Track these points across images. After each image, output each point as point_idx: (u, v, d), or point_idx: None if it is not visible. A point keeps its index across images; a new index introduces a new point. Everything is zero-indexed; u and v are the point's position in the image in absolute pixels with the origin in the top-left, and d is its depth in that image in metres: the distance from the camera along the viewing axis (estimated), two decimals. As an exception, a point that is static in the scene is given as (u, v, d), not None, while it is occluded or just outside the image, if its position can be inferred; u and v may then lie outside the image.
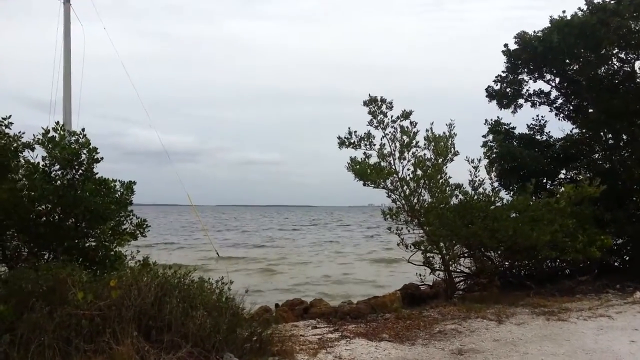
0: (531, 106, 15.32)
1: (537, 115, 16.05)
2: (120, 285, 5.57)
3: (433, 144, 10.30)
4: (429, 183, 10.05)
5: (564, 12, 13.57)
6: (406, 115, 11.17)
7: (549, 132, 16.07)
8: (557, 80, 14.71)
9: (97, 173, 9.26)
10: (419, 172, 10.13)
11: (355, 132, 11.66)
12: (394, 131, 11.33)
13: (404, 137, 10.69)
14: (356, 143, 11.50)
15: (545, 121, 16.06)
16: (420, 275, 11.55)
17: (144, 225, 9.53)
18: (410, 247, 11.36)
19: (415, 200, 10.23)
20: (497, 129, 15.79)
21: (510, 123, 15.97)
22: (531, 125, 16.01)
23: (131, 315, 5.36)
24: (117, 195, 9.13)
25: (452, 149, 10.50)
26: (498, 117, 15.88)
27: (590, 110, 14.54)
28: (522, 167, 14.44)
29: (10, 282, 5.58)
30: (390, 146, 11.21)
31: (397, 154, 11.12)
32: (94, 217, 8.30)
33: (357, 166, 10.28)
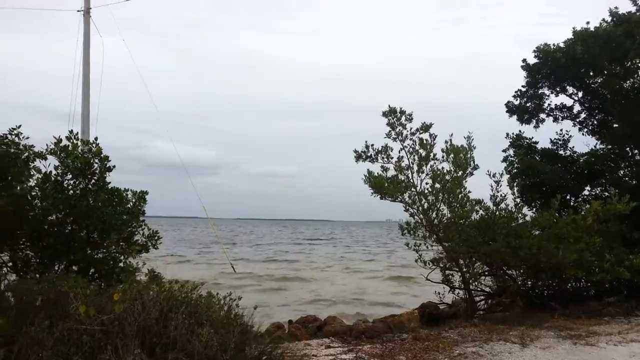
0: (553, 121, 14.92)
1: (561, 130, 15.63)
2: (124, 299, 5.33)
3: (452, 155, 9.95)
4: (448, 197, 9.69)
5: (587, 23, 13.23)
6: (426, 127, 10.89)
7: (573, 147, 15.64)
8: (580, 94, 14.31)
9: (109, 183, 9.18)
10: (437, 185, 9.77)
11: (372, 145, 11.41)
12: (413, 144, 11.07)
13: (421, 150, 10.38)
14: (373, 156, 11.25)
15: (570, 136, 15.64)
16: (439, 293, 11.13)
17: (156, 237, 9.36)
18: (429, 264, 10.99)
19: (434, 215, 9.87)
20: (518, 143, 15.41)
21: (532, 137, 15.58)
22: (554, 140, 15.58)
23: (134, 331, 5.10)
24: (129, 205, 9.03)
25: (472, 162, 10.16)
26: (520, 131, 15.50)
27: (616, 125, 14.08)
28: (545, 183, 14.00)
29: (9, 294, 5.38)
30: (408, 159, 10.94)
31: (415, 167, 10.84)
32: (106, 227, 8.18)
33: (374, 180, 9.97)
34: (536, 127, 15.04)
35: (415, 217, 10.14)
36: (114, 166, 9.15)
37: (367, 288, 21.54)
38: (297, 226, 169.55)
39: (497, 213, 9.91)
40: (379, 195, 10.09)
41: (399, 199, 9.93)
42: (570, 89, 14.44)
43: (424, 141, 10.88)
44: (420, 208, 9.98)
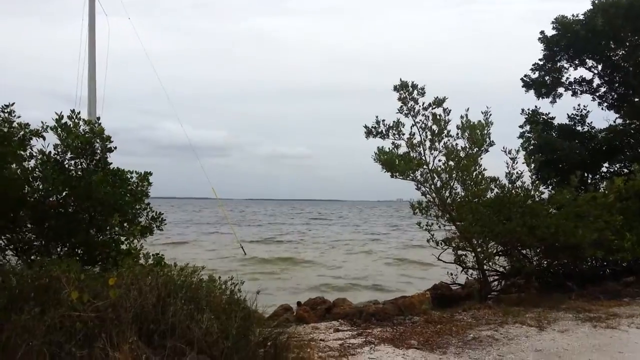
0: (572, 95, 14.36)
1: (578, 105, 15.06)
2: (120, 284, 5.04)
3: (468, 131, 9.48)
4: (462, 175, 9.27)
5: (609, -8, 12.54)
6: (439, 102, 10.42)
7: (591, 122, 15.07)
8: (600, 66, 13.67)
9: (111, 163, 8.95)
10: (451, 163, 9.35)
11: (384, 121, 10.99)
12: (425, 119, 10.63)
13: (434, 126, 9.94)
14: (384, 132, 10.84)
15: (588, 111, 15.07)
16: (451, 274, 10.81)
17: (160, 219, 9.13)
18: (441, 244, 10.65)
19: (447, 194, 9.46)
20: (534, 118, 14.88)
21: (549, 113, 15.03)
22: (572, 115, 15.02)
23: (130, 318, 4.82)
24: (132, 187, 8.82)
25: (488, 138, 9.68)
26: (536, 106, 14.94)
27: (637, 99, 13.49)
28: (562, 160, 13.51)
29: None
30: (420, 135, 10.50)
31: (427, 144, 10.40)
32: (106, 208, 7.96)
33: (384, 156, 9.57)
34: (553, 102, 14.50)
35: (428, 195, 9.73)
36: (116, 147, 9.11)
37: (376, 270, 21.27)
38: (306, 206, 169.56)
39: (513, 191, 9.46)
40: (390, 173, 9.69)
41: (410, 176, 9.52)
42: (589, 62, 13.83)
43: (438, 116, 10.42)
44: (432, 186, 9.57)
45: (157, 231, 9.15)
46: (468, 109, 9.93)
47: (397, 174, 9.54)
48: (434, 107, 10.53)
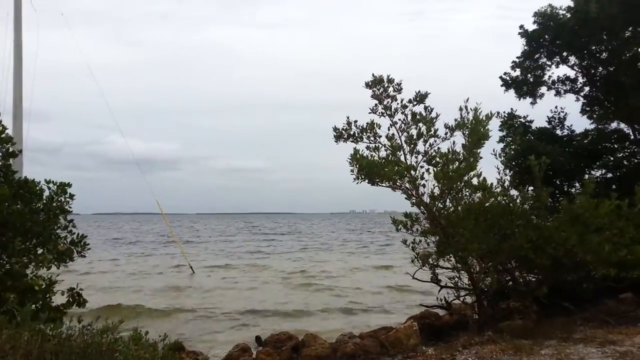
0: (555, 95, 13.21)
1: (556, 107, 13.99)
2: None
3: (469, 127, 7.91)
4: (458, 184, 7.68)
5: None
6: (421, 97, 8.88)
7: (571, 125, 14.03)
8: (585, 62, 12.53)
9: (16, 172, 7.13)
10: (448, 168, 7.74)
11: (356, 121, 9.38)
12: (404, 119, 9.08)
13: (420, 126, 8.39)
14: (357, 135, 9.22)
15: (565, 113, 14.02)
16: (442, 299, 9.26)
17: (83, 242, 7.20)
18: (418, 260, 9.08)
19: (440, 205, 7.84)
20: (510, 122, 13.67)
21: (527, 115, 13.88)
22: (550, 118, 13.93)
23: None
24: (46, 202, 7.04)
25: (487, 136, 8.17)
26: (512, 109, 13.76)
27: (628, 99, 12.44)
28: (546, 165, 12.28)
29: None
30: (399, 137, 8.93)
31: (406, 148, 8.83)
32: (9, 230, 6.09)
33: (365, 162, 7.88)
34: (533, 103, 13.31)
35: (419, 207, 8.09)
36: (20, 151, 7.71)
37: (341, 288, 19.36)
38: (258, 220, 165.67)
39: (517, 201, 7.97)
40: (369, 181, 8.01)
41: (398, 183, 7.84)
42: (572, 59, 12.71)
43: (418, 115, 8.88)
44: (422, 196, 7.93)
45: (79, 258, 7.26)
46: (468, 99, 8.43)
47: (384, 181, 7.85)
48: (414, 103, 9.00)
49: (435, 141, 8.59)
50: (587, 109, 13.99)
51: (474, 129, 7.67)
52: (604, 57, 12.03)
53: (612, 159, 13.25)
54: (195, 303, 15.11)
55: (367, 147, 8.98)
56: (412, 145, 8.63)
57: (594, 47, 11.88)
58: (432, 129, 8.33)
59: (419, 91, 8.93)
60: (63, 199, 7.09)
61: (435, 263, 12.40)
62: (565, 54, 12.51)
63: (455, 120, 8.68)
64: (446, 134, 8.55)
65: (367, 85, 9.32)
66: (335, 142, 9.49)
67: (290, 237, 54.85)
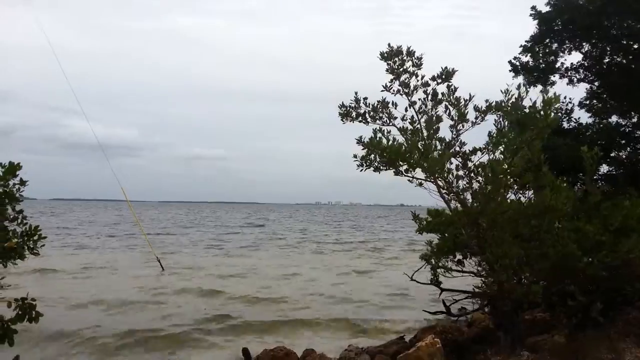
0: (568, 83, 12.19)
1: (565, 97, 13.04)
2: None
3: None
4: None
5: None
6: (447, 75, 7.60)
7: (579, 118, 13.11)
8: (606, 48, 11.51)
9: None
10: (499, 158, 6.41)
11: (366, 99, 8.06)
12: (425, 99, 7.81)
13: (450, 109, 7.11)
14: (368, 113, 7.91)
15: (573, 105, 13.09)
16: (462, 310, 8.06)
17: (37, 235, 5.83)
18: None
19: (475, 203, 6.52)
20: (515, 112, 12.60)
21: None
22: (558, 109, 12.95)
23: None
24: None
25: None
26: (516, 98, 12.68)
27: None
28: (560, 160, 11.31)
29: None
30: (419, 120, 7.63)
31: (425, 132, 7.54)
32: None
33: (390, 148, 6.51)
34: (543, 92, 12.22)
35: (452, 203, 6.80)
36: None
37: (319, 283, 18.02)
38: (226, 209, 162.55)
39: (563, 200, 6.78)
40: (394, 169, 6.68)
41: (438, 174, 6.47)
42: (586, 46, 11.69)
43: (441, 95, 7.61)
44: (454, 193, 6.61)
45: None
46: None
47: (417, 169, 6.50)
48: (438, 81, 7.72)
49: (463, 126, 7.37)
50: (593, 101, 13.09)
51: (530, 116, 6.36)
52: (625, 43, 10.99)
53: (623, 155, 12.44)
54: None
55: (379, 130, 7.67)
56: (432, 131, 7.33)
57: (614, 32, 10.83)
58: (465, 111, 7.03)
59: (445, 67, 7.66)
60: (11, 184, 5.66)
61: (436, 264, 11.26)
62: (578, 41, 11.46)
63: (475, 108, 7.47)
64: (477, 117, 7.33)
65: (383, 57, 7.98)
66: (342, 121, 8.15)
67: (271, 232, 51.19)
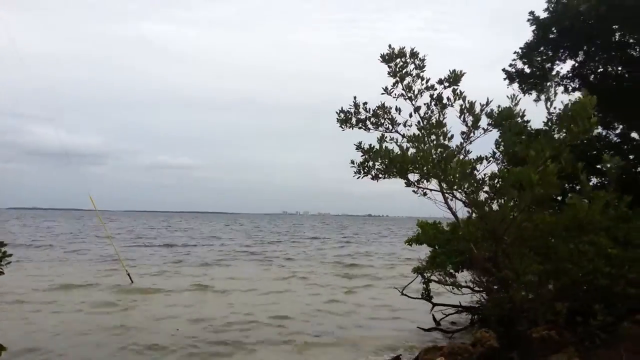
0: (564, 91, 11.95)
1: (555, 107, 12.82)
2: None
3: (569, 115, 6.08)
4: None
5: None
6: (455, 78, 7.11)
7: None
8: (605, 56, 11.30)
9: None
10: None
11: (365, 104, 7.53)
12: (429, 104, 7.31)
13: (465, 114, 6.61)
14: (369, 119, 7.39)
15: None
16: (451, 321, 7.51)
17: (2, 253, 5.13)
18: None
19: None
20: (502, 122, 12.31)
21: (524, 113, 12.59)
22: (548, 119, 12.73)
23: None
24: None
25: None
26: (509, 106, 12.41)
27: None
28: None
29: None
30: (424, 127, 7.12)
31: (427, 139, 7.02)
32: None
33: (398, 153, 5.97)
34: (537, 100, 11.98)
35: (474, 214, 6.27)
36: None
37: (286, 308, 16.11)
38: (188, 219, 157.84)
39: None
40: (405, 181, 6.10)
41: (463, 185, 5.90)
42: (581, 55, 11.48)
43: (448, 100, 7.12)
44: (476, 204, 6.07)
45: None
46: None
47: (427, 179, 5.97)
48: (446, 85, 7.23)
49: (473, 133, 6.89)
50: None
51: (567, 117, 5.89)
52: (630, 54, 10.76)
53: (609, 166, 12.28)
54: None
55: (382, 136, 7.13)
56: (445, 138, 6.81)
57: (618, 39, 10.63)
58: (479, 117, 6.55)
59: (454, 70, 7.18)
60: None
61: (427, 279, 10.77)
62: (576, 47, 11.25)
63: (487, 113, 7.03)
64: (490, 124, 6.88)
65: (384, 58, 7.46)
66: (341, 127, 7.60)
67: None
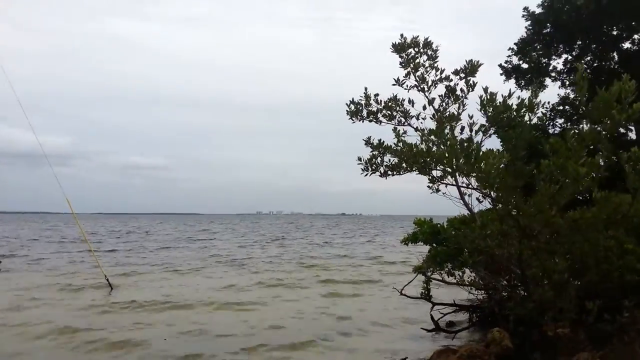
0: (560, 86, 11.87)
1: (547, 102, 12.79)
2: None
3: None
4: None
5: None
6: (472, 68, 6.87)
7: (562, 123, 12.88)
8: (599, 49, 11.24)
9: None
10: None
11: (377, 95, 7.22)
12: (445, 96, 7.04)
13: (487, 107, 6.32)
14: (382, 111, 7.09)
15: (556, 109, 12.87)
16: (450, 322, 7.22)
17: None
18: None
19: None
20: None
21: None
22: (543, 113, 12.67)
23: None
24: None
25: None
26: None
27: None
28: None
29: None
30: (442, 119, 6.85)
31: (450, 133, 6.74)
32: None
33: (423, 148, 5.64)
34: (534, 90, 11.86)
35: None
36: None
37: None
38: (164, 220, 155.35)
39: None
40: (429, 177, 5.77)
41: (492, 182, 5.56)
42: (576, 49, 11.43)
43: (461, 91, 6.86)
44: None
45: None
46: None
47: (455, 174, 5.64)
48: (462, 76, 6.97)
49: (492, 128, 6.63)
50: (565, 107, 12.87)
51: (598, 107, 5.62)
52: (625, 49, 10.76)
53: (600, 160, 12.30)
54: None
55: (398, 131, 6.80)
56: (473, 131, 6.51)
57: (615, 33, 10.59)
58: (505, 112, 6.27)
59: (470, 60, 6.93)
60: None
61: (428, 279, 10.52)
62: (571, 42, 11.17)
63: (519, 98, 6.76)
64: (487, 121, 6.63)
65: (396, 48, 7.17)
66: (351, 120, 7.30)
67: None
